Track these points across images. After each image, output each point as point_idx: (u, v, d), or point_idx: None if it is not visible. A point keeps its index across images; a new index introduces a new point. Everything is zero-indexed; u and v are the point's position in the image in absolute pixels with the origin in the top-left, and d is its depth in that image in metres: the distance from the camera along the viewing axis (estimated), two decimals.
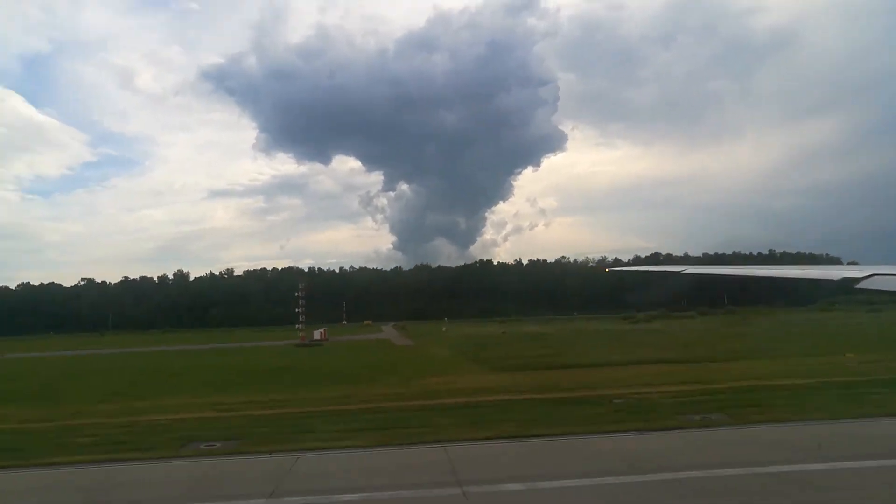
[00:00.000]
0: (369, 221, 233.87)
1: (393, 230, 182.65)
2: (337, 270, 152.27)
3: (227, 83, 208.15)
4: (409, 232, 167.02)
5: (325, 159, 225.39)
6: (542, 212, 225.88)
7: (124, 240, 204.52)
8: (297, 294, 72.06)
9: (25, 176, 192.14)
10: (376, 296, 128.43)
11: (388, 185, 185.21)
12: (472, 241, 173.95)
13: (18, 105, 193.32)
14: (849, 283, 4.91)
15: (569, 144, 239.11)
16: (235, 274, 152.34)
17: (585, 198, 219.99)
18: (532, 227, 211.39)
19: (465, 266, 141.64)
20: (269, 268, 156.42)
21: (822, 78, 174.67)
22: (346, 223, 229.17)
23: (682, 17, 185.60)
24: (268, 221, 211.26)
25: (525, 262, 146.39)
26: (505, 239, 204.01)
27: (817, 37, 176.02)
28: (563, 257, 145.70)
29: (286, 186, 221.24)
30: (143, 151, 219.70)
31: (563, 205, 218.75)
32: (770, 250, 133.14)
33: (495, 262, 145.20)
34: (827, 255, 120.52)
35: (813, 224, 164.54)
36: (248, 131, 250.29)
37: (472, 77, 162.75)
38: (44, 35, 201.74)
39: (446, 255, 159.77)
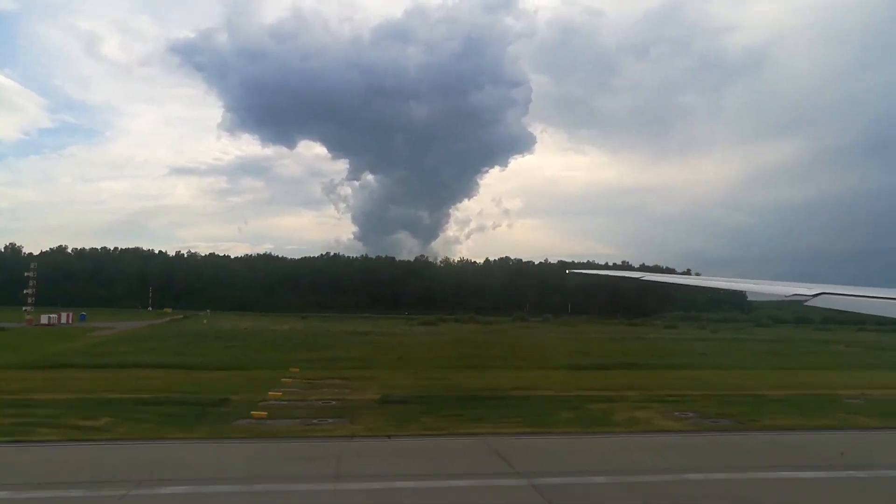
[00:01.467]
0: (332, 209, 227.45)
1: (355, 220, 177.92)
2: (296, 257, 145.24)
3: (195, 58, 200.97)
4: (371, 223, 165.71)
5: (290, 143, 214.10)
6: (507, 212, 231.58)
7: (80, 210, 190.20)
8: (26, 274, 66.10)
9: None
10: (253, 284, 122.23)
11: (353, 174, 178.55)
12: (435, 236, 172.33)
13: None
14: (798, 300, 5.01)
15: (537, 147, 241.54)
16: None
17: (551, 201, 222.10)
18: (495, 227, 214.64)
19: (377, 259, 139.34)
20: (207, 251, 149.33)
21: (789, 99, 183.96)
22: (308, 210, 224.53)
23: (659, 30, 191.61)
24: (229, 202, 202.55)
25: (454, 261, 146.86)
26: (468, 236, 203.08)
27: (788, 59, 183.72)
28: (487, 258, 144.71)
29: (250, 168, 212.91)
30: (105, 121, 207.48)
31: (529, 206, 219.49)
32: (623, 261, 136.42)
33: (429, 259, 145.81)
34: (688, 269, 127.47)
35: (766, 240, 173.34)
36: (214, 109, 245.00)
37: (445, 72, 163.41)
38: None
39: (408, 248, 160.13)
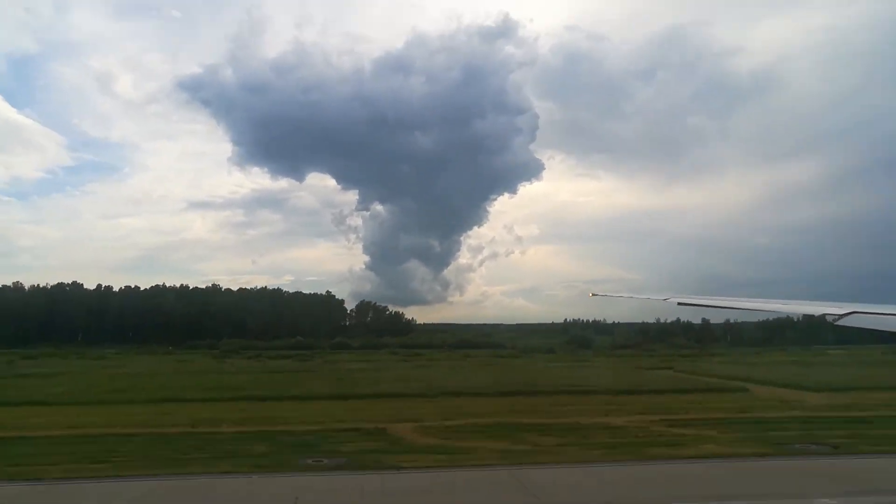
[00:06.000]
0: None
1: (366, 250, 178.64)
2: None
3: (201, 94, 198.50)
4: (382, 252, 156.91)
5: (299, 176, 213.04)
6: (519, 239, 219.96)
7: (102, 247, 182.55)
8: None
9: (1, 177, 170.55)
10: None
11: (363, 205, 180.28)
12: (447, 264, 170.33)
13: None
14: (829, 319, 4.94)
15: (548, 174, 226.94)
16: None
17: (565, 226, 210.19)
18: (508, 254, 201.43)
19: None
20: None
21: (802, 119, 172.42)
22: (325, 241, 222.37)
23: (664, 53, 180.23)
24: (247, 235, 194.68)
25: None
26: (481, 263, 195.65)
27: (798, 79, 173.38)
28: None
29: (264, 201, 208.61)
30: (122, 158, 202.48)
31: (543, 232, 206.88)
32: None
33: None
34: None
35: (787, 262, 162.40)
36: (223, 144, 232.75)
37: (448, 101, 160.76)
38: (29, 35, 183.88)
39: (420, 277, 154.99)
